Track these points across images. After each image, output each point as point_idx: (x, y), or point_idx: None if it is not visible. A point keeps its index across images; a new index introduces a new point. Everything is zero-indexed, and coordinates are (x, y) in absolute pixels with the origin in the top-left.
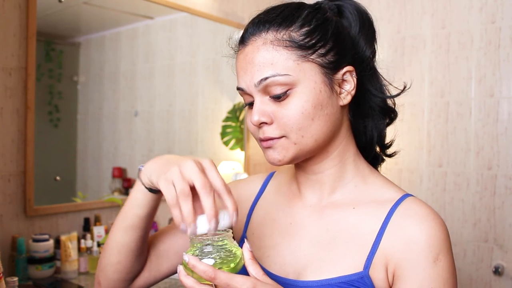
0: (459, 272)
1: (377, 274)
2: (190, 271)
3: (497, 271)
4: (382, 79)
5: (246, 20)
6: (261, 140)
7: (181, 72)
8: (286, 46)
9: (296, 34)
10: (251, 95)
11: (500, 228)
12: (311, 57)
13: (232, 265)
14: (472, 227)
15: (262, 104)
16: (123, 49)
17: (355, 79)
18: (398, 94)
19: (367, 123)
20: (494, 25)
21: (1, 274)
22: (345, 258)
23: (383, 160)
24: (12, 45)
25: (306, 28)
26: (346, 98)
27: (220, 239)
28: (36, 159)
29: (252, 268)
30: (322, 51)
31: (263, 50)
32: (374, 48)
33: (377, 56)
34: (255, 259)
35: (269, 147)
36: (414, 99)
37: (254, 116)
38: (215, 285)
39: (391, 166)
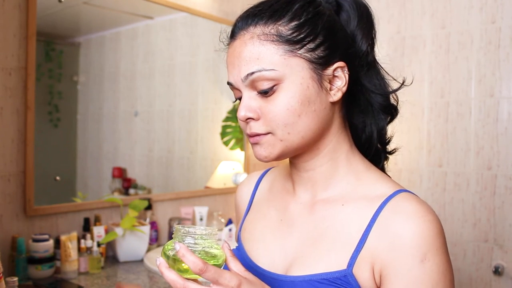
0: (459, 272)
1: (361, 273)
2: (173, 262)
3: (497, 271)
4: (385, 74)
5: None
6: (248, 136)
7: (181, 72)
8: (273, 41)
9: (284, 28)
10: (239, 90)
11: (500, 228)
12: (298, 52)
13: (213, 262)
14: (472, 227)
15: (249, 100)
16: (123, 49)
17: (346, 76)
18: (396, 90)
19: (366, 119)
20: (494, 25)
21: (1, 274)
22: (329, 255)
23: (386, 158)
24: (12, 45)
25: (295, 22)
26: (336, 94)
27: (205, 234)
28: (36, 159)
29: (233, 264)
30: (311, 45)
31: (250, 44)
32: (372, 42)
33: (378, 53)
34: (235, 257)
35: (256, 143)
36: (414, 99)
37: (241, 111)
38: (194, 280)
39: (391, 166)
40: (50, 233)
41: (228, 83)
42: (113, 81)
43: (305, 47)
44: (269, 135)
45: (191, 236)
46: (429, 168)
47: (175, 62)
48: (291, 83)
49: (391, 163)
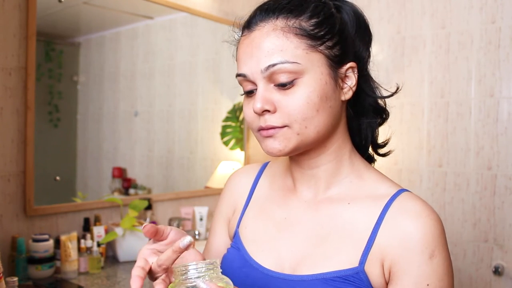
0: (459, 272)
1: (373, 270)
2: None
3: (497, 271)
4: (374, 81)
5: None
6: (261, 129)
7: (181, 72)
8: (296, 34)
9: (306, 24)
10: (253, 82)
11: (500, 228)
12: (319, 48)
13: None
14: (472, 227)
15: (266, 92)
16: (123, 49)
17: (356, 76)
18: (392, 95)
19: (362, 122)
20: (494, 25)
21: (1, 274)
22: (340, 253)
23: (375, 160)
24: (12, 45)
25: (315, 19)
26: (348, 93)
27: (209, 266)
28: (36, 159)
29: None
30: (329, 43)
31: (273, 36)
32: (370, 51)
33: (376, 57)
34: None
35: (269, 137)
36: (414, 99)
37: (257, 103)
38: None
39: (391, 166)
40: (50, 233)
41: (239, 75)
42: (113, 81)
43: (324, 44)
44: (285, 128)
45: (209, 269)
46: (429, 168)
47: (175, 62)
48: (311, 78)
49: (390, 163)
